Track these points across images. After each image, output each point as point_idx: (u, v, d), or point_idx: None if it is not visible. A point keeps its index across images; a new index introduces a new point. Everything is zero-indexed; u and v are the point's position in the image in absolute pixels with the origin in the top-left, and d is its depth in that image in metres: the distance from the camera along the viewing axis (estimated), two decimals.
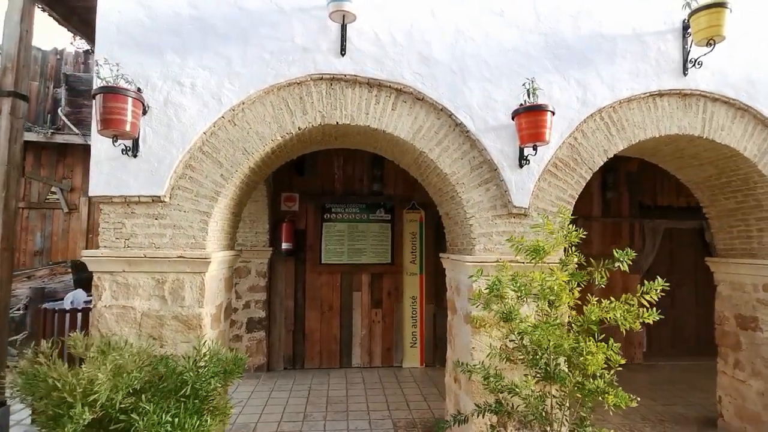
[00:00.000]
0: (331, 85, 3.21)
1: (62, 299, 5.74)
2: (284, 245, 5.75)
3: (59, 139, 7.66)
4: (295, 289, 5.99)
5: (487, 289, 2.61)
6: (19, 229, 8.19)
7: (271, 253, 5.80)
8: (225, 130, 3.11)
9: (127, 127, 2.68)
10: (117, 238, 3.00)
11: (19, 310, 5.54)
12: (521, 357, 2.87)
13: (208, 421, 2.47)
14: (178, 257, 2.98)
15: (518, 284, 2.60)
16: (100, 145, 2.98)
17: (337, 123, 3.20)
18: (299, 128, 3.16)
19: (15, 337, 5.53)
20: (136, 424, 2.26)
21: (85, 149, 8.29)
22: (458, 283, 3.55)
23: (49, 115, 8.47)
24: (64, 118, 7.63)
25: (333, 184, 6.13)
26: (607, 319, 2.51)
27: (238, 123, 3.13)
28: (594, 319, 2.46)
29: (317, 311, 6.02)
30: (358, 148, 4.09)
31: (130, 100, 2.69)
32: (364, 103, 3.23)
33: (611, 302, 2.52)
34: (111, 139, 2.90)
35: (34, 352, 2.64)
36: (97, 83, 2.80)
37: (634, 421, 4.41)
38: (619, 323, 2.46)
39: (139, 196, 3.00)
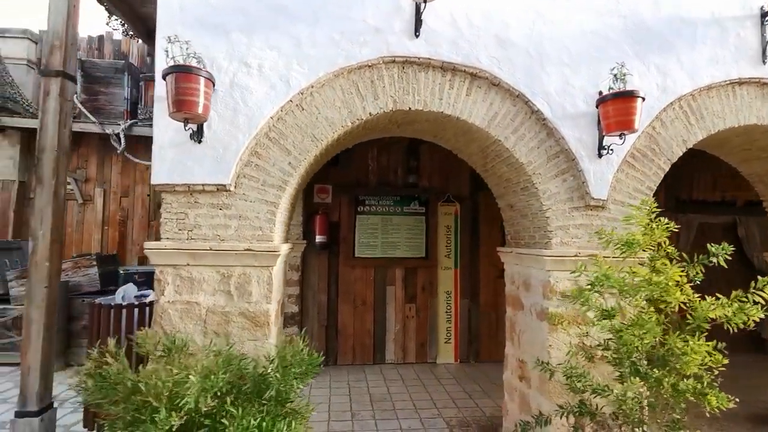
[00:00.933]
0: (404, 68, 3.03)
1: (88, 293, 5.53)
2: (318, 238, 5.57)
3: (75, 127, 7.35)
4: (328, 283, 5.82)
5: (588, 285, 2.46)
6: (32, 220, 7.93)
7: (304, 246, 5.62)
8: (293, 115, 2.92)
9: (200, 110, 2.49)
10: (180, 230, 2.81)
11: None
12: (606, 355, 2.75)
13: (293, 424, 2.31)
14: (246, 250, 2.80)
15: (612, 280, 2.46)
16: (164, 131, 2.79)
17: (410, 109, 3.02)
18: (370, 114, 2.98)
19: None
20: (226, 430, 2.09)
21: (100, 138, 8.02)
22: (527, 277, 3.40)
23: None
24: (80, 106, 7.35)
25: (367, 175, 5.95)
26: (715, 317, 2.39)
27: (307, 108, 2.94)
28: (707, 316, 2.33)
29: (350, 306, 5.86)
30: (414, 137, 3.91)
31: (202, 80, 2.50)
32: (438, 87, 3.05)
33: (718, 299, 2.39)
34: (182, 123, 2.70)
35: (100, 351, 2.46)
36: (160, 64, 2.60)
37: (688, 418, 4.31)
38: (731, 321, 2.34)
39: (203, 185, 2.81)
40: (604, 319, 2.49)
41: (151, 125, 7.56)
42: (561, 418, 2.77)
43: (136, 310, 2.97)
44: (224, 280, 2.82)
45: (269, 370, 2.32)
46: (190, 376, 2.03)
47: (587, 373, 2.71)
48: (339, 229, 5.87)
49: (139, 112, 7.45)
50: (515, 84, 3.09)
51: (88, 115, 7.32)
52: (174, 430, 2.10)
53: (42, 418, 2.85)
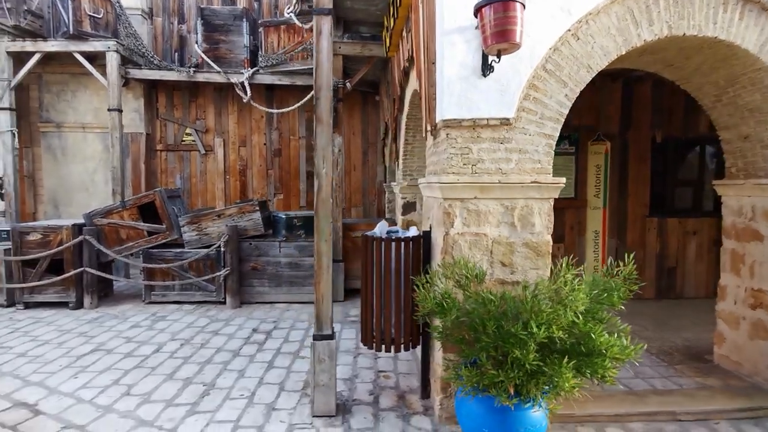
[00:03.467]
0: None
1: (253, 237, 5.83)
2: None
3: (199, 77, 7.47)
4: None
5: None
6: (159, 171, 8.26)
7: None
8: (568, 45, 2.88)
9: (518, 38, 2.48)
10: (464, 164, 2.90)
11: (219, 247, 5.65)
12: None
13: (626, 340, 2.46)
14: (533, 183, 2.88)
15: None
16: (450, 65, 2.81)
17: (684, 35, 2.93)
18: (645, 41, 2.91)
19: (218, 273, 5.69)
20: (594, 343, 2.26)
21: (215, 88, 8.12)
22: None
23: (176, 53, 8.24)
24: (203, 55, 7.38)
25: None
26: None
27: (582, 37, 2.89)
28: None
29: None
30: (641, 68, 3.81)
31: (519, 6, 2.46)
32: (712, 11, 2.93)
33: None
34: (467, 57, 2.75)
35: (427, 277, 2.64)
36: None
37: None
38: None
39: (488, 119, 2.85)
40: None
41: (272, 73, 7.55)
42: None
43: (403, 244, 3.12)
44: (507, 212, 2.93)
45: (608, 294, 2.45)
46: (581, 294, 2.18)
47: None
48: None
49: (260, 59, 7.43)
50: None
51: (212, 64, 7.36)
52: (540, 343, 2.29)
53: (335, 340, 3.11)
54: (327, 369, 3.08)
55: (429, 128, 3.19)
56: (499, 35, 2.46)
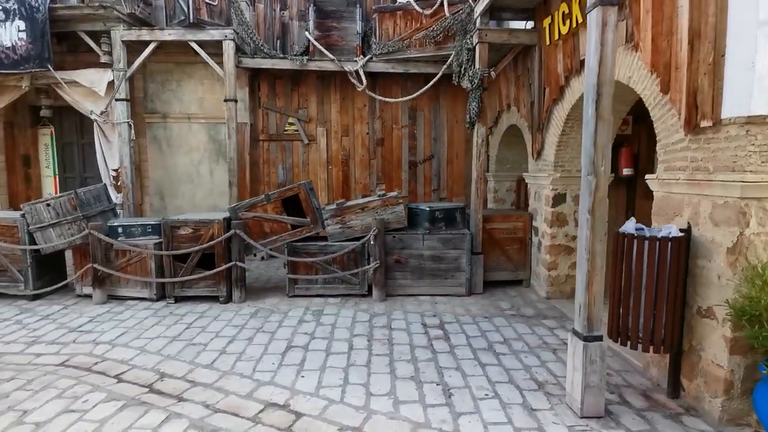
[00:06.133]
0: None
1: (396, 230, 5.77)
2: (625, 171, 5.54)
3: (312, 66, 7.33)
4: (626, 216, 5.84)
5: None
6: (261, 161, 8.19)
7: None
8: None
9: None
10: (763, 162, 2.79)
11: (369, 240, 5.60)
12: None
13: None
14: None
15: None
16: (762, 59, 2.68)
17: None
18: None
19: (368, 267, 5.65)
20: None
21: (318, 76, 7.98)
22: None
23: (278, 41, 8.08)
24: (315, 42, 7.23)
25: None
26: None
27: None
28: None
29: None
30: None
31: None
32: None
33: None
34: None
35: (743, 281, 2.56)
36: None
37: None
38: None
39: None
40: None
41: (386, 60, 7.40)
42: None
43: (675, 243, 3.05)
44: None
45: None
46: None
47: None
48: (638, 161, 5.77)
49: (373, 46, 7.27)
50: None
51: (325, 51, 7.21)
52: None
53: (602, 342, 3.06)
54: (598, 370, 3.03)
55: (697, 124, 3.08)
56: None
